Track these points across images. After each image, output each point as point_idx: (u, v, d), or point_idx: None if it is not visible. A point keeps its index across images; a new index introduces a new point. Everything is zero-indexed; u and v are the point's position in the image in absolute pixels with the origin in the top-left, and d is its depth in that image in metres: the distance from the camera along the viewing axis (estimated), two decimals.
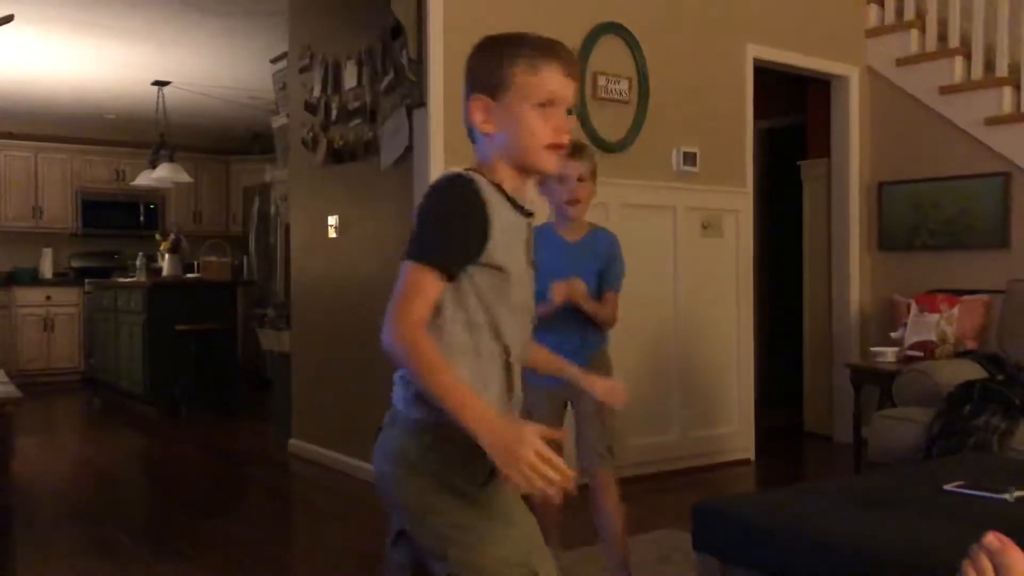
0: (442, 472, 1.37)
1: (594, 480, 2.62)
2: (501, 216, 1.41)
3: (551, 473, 1.22)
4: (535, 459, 1.22)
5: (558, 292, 2.50)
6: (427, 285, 1.34)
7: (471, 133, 1.49)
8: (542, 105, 1.42)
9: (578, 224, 2.74)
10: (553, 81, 1.42)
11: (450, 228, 1.37)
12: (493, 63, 1.44)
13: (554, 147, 1.46)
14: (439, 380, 1.31)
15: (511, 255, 1.43)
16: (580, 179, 2.66)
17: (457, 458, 1.35)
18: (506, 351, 1.43)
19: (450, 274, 1.36)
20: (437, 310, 1.37)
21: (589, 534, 2.83)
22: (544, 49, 1.44)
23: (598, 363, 2.61)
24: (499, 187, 1.44)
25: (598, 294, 2.66)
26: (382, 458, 1.42)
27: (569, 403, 2.67)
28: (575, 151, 2.65)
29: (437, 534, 1.36)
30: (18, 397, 3.87)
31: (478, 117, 1.44)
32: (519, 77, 1.41)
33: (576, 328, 2.59)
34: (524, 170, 1.49)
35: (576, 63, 1.50)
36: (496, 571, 1.34)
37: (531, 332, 1.54)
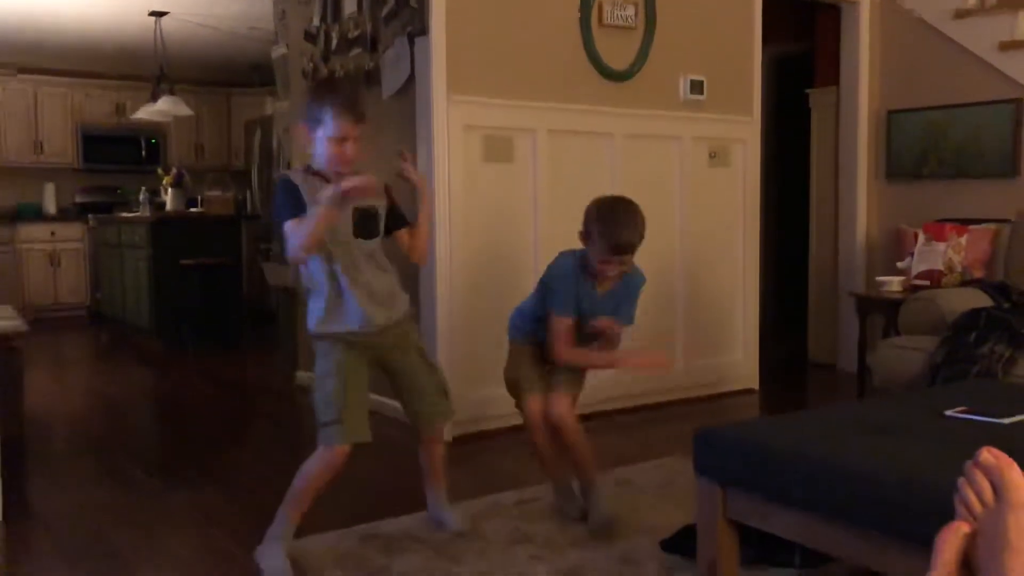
0: (320, 354, 2.52)
1: (557, 403, 2.77)
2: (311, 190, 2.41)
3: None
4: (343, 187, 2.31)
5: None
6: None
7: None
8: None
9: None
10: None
11: (287, 202, 2.40)
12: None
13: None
14: (302, 231, 2.34)
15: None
16: (621, 263, 2.72)
17: (325, 345, 2.50)
18: (330, 258, 2.47)
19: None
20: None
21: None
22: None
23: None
24: (316, 172, 2.48)
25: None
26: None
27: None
28: (627, 248, 2.69)
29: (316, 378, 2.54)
30: (25, 331, 3.89)
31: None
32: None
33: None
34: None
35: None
36: (322, 398, 2.49)
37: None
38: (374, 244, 2.55)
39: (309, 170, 2.50)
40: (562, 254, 2.84)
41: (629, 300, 2.83)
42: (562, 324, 2.74)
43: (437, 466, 2.79)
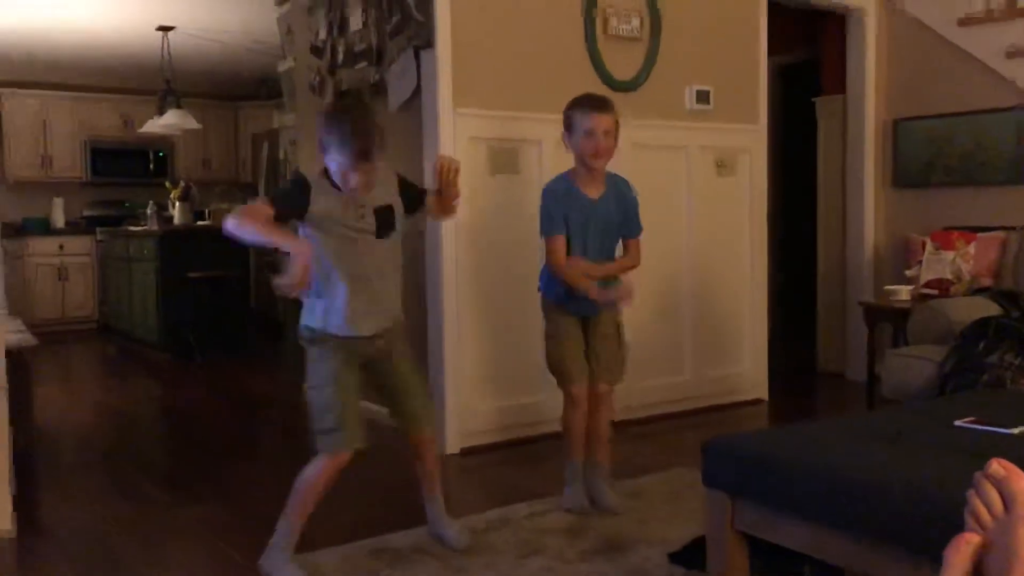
0: (314, 362, 2.55)
1: (597, 389, 3.00)
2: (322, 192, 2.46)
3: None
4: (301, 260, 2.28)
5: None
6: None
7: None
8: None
9: (598, 176, 2.95)
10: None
11: (287, 192, 2.57)
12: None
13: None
14: (256, 232, 2.39)
15: (330, 214, 2.45)
16: (606, 132, 2.88)
17: (318, 352, 2.54)
18: (338, 259, 2.48)
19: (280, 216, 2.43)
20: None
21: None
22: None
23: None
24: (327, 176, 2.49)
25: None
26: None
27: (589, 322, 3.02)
28: (603, 105, 2.85)
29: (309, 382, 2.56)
30: (34, 344, 3.90)
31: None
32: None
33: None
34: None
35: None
36: (318, 406, 2.51)
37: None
38: (391, 241, 2.55)
39: (324, 173, 2.51)
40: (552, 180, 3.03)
41: (636, 211, 3.04)
42: (553, 243, 2.93)
43: (433, 478, 2.77)
